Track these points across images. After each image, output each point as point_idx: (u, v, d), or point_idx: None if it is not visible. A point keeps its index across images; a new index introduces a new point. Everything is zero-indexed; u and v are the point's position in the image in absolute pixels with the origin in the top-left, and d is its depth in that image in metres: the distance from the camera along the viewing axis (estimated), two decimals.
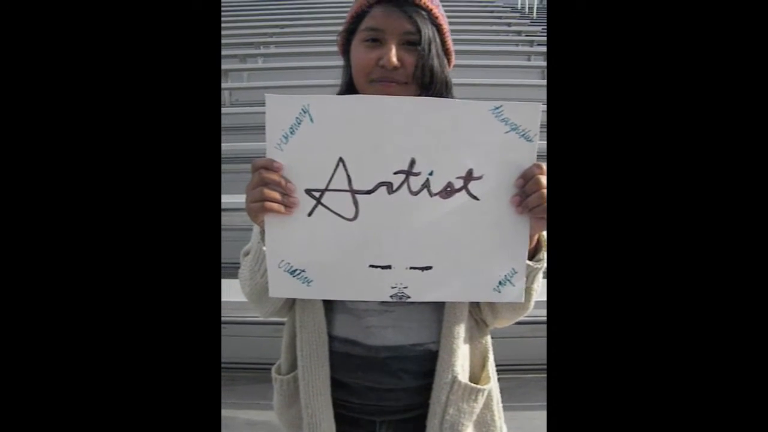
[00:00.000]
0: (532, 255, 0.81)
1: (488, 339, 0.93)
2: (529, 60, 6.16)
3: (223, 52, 6.23)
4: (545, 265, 0.82)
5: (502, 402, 0.95)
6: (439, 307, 0.84)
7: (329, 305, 0.85)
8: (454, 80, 0.89)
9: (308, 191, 0.76)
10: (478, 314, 0.88)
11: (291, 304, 0.87)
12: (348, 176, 0.75)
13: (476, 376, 0.90)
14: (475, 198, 0.76)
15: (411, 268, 0.78)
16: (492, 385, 0.91)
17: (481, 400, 0.88)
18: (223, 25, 7.30)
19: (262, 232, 0.79)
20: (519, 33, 7.09)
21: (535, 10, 8.22)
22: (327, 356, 0.85)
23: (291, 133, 0.74)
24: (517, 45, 6.72)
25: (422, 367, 0.86)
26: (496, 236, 0.78)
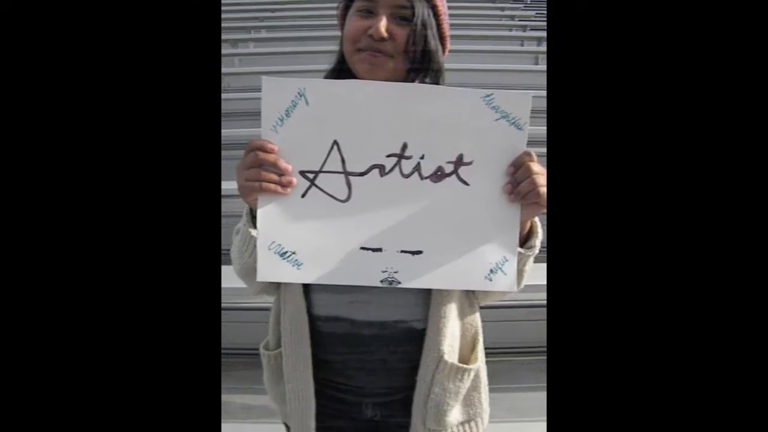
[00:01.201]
0: (525, 241, 0.82)
1: (478, 320, 0.94)
2: (522, 45, 6.15)
3: None
4: (537, 251, 0.83)
5: (496, 384, 0.97)
6: None
7: (308, 285, 0.86)
8: (447, 65, 0.89)
9: (302, 173, 0.77)
10: (470, 291, 0.89)
11: (278, 282, 0.88)
12: (342, 158, 0.77)
13: (465, 357, 0.91)
14: (465, 183, 0.78)
15: (402, 251, 0.79)
16: (479, 365, 0.92)
17: (468, 380, 0.89)
18: None
19: (249, 213, 0.81)
20: (512, 18, 7.08)
21: None
22: (308, 335, 0.87)
23: (286, 115, 0.75)
24: (510, 30, 6.71)
25: (407, 346, 0.87)
26: (487, 223, 0.79)
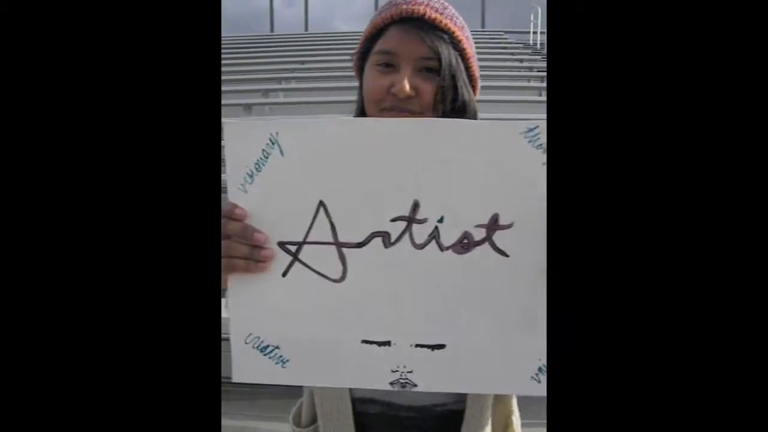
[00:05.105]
0: None
1: (514, 401, 0.82)
2: (540, 95, 6.35)
3: (247, 87, 6.54)
4: None
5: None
6: None
7: None
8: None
9: (281, 244, 0.60)
10: None
11: None
12: (332, 225, 0.60)
13: None
14: (503, 254, 0.59)
15: (417, 345, 0.61)
16: None
17: None
18: (246, 61, 7.66)
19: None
20: (531, 69, 7.31)
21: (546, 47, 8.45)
22: (351, 416, 0.75)
23: (256, 169, 0.59)
24: (528, 81, 6.94)
25: (444, 427, 0.76)
26: (533, 305, 0.58)
